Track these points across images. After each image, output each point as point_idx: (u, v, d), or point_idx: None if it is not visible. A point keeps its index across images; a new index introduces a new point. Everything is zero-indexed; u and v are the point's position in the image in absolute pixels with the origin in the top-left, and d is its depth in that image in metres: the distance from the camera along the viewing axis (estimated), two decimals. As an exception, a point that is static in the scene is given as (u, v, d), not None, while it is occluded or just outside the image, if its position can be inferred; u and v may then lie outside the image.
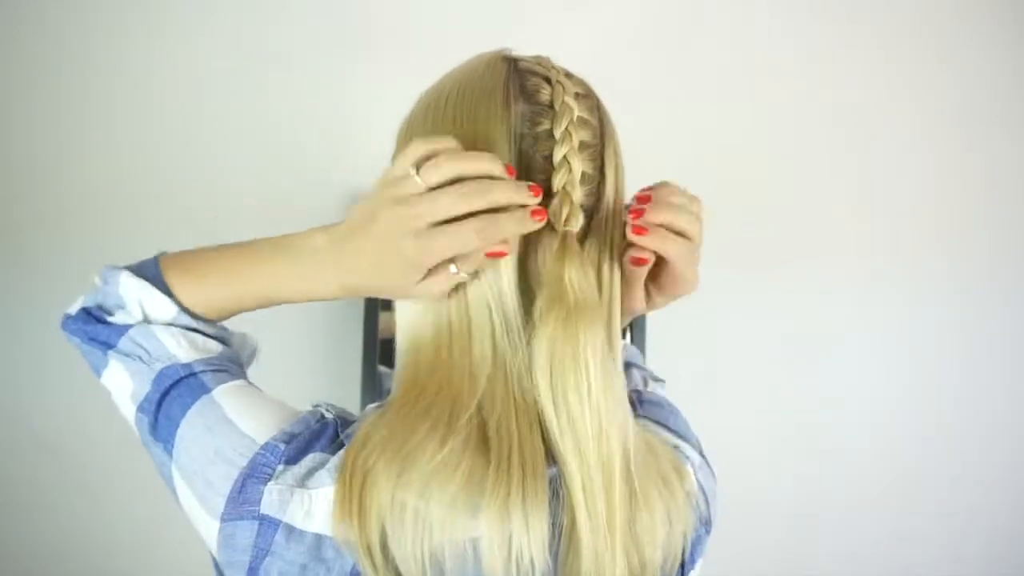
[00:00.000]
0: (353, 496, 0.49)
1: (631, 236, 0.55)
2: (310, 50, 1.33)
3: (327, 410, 0.57)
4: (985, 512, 1.61)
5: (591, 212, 0.57)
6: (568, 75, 0.60)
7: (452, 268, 0.53)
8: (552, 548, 0.51)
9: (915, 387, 1.58)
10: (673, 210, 0.56)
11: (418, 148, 0.53)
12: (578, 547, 0.50)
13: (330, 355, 1.39)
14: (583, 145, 0.56)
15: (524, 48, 0.61)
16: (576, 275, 0.53)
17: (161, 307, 0.60)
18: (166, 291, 0.61)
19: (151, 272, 0.61)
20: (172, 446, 0.55)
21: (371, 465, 0.50)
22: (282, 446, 0.52)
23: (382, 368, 1.31)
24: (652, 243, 0.55)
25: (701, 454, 0.62)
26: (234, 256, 0.61)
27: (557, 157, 0.55)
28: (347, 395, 1.35)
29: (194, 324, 0.61)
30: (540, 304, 0.53)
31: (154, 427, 0.56)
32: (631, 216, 0.56)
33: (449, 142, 0.53)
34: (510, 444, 0.51)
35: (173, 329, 0.59)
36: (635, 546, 0.52)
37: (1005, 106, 1.59)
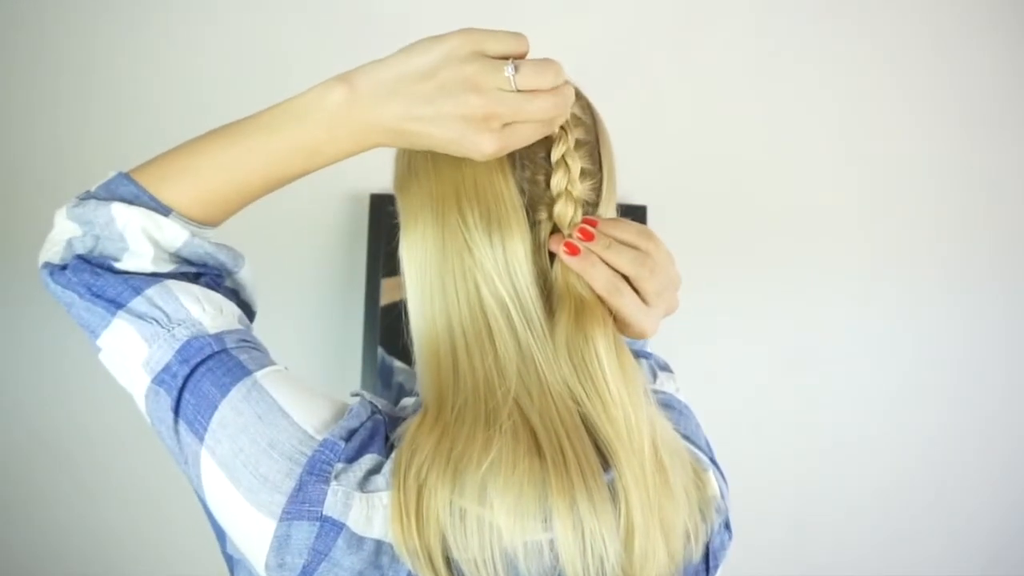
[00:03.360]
0: (411, 506, 0.48)
1: (556, 247, 0.55)
2: (310, 51, 1.33)
3: (373, 402, 0.56)
4: (984, 512, 1.60)
5: (595, 207, 0.58)
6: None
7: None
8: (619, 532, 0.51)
9: (914, 388, 1.58)
10: (617, 249, 0.56)
11: (507, 42, 0.50)
12: (632, 529, 0.50)
13: (331, 334, 1.38)
14: (579, 143, 0.57)
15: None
16: (576, 276, 0.55)
17: (171, 233, 0.55)
18: (153, 202, 0.55)
19: (132, 193, 0.55)
20: (205, 429, 0.51)
21: (424, 476, 0.49)
22: (342, 443, 0.50)
23: (397, 363, 1.30)
24: (577, 265, 0.55)
25: (712, 459, 0.62)
26: (227, 141, 0.55)
27: (555, 157, 0.55)
28: (349, 376, 1.36)
29: (208, 247, 0.57)
30: (554, 301, 0.55)
31: (178, 404, 0.52)
32: (577, 232, 0.56)
33: (524, 43, 0.51)
34: (559, 438, 0.51)
35: (194, 289, 0.55)
36: (664, 536, 0.52)
37: (1005, 107, 1.58)
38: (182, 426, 0.52)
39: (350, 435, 0.51)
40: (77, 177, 1.34)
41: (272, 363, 0.55)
